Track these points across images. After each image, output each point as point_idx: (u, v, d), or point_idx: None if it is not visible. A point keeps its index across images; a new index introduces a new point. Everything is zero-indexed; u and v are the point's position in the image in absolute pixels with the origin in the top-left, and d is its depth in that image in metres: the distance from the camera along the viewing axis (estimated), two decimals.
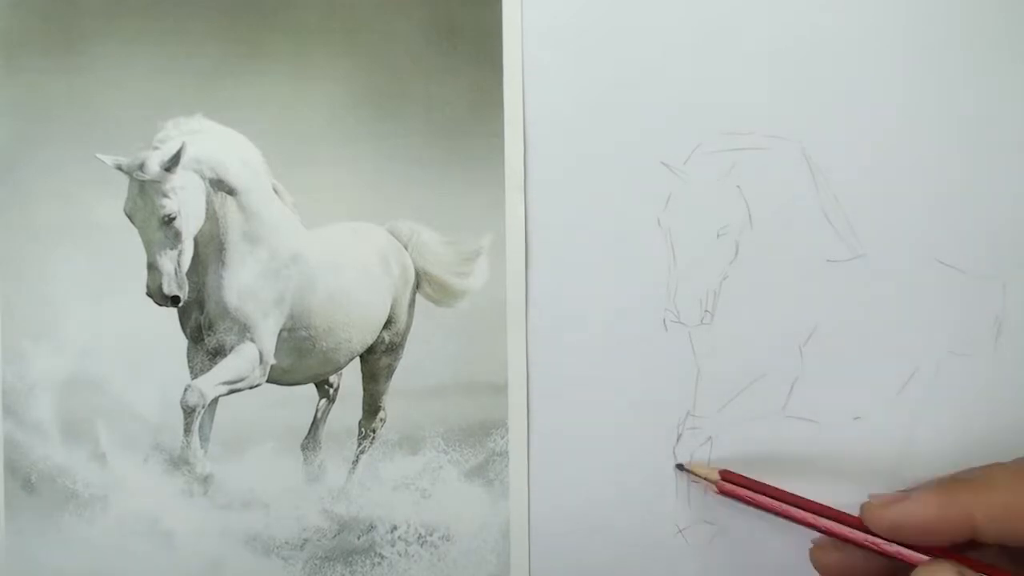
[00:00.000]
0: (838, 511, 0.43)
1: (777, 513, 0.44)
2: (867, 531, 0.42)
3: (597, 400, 0.47)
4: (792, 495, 0.44)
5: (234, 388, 0.47)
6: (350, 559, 0.47)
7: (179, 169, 0.46)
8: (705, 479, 0.45)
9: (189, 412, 0.47)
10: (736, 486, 0.44)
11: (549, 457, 0.47)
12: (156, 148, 0.46)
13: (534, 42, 0.47)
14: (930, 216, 0.46)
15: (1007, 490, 0.39)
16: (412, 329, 0.48)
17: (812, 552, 0.45)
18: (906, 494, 0.42)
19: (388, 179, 0.47)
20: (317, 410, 0.48)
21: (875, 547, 0.42)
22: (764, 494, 0.44)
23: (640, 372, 0.47)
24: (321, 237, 0.47)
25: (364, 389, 0.48)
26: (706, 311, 0.46)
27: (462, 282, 0.47)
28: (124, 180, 0.46)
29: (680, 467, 0.46)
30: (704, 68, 0.46)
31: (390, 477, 0.47)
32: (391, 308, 0.48)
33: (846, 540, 0.43)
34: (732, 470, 0.46)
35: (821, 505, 0.43)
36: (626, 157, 0.46)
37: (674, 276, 0.46)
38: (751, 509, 0.45)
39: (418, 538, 0.47)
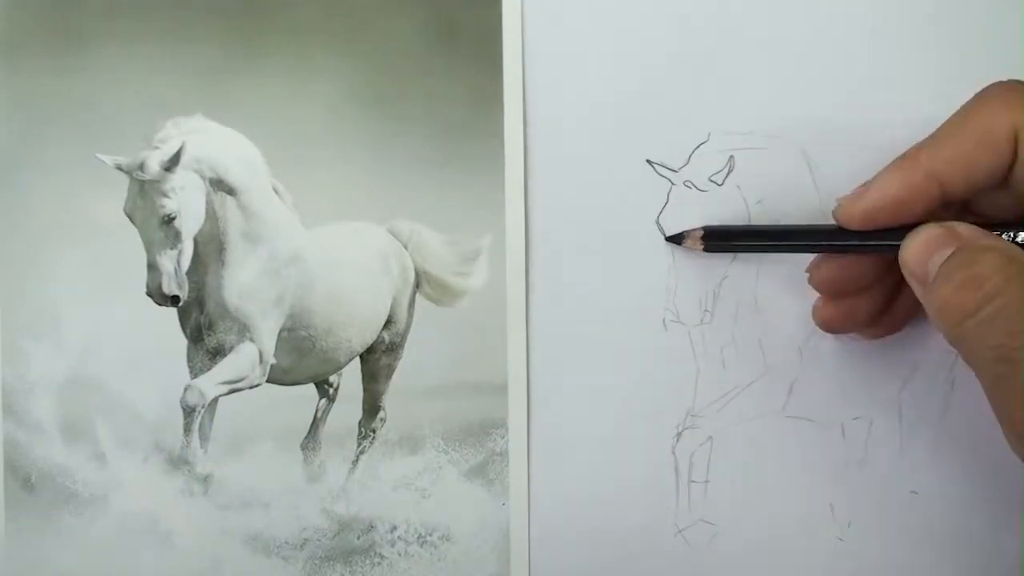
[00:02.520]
0: (819, 228, 0.43)
1: (767, 250, 0.44)
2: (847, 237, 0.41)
3: (597, 400, 0.47)
4: (777, 228, 0.44)
5: (234, 388, 0.47)
6: (350, 559, 0.47)
7: (179, 169, 0.46)
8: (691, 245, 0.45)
9: (189, 412, 0.47)
10: (722, 242, 0.45)
11: (549, 457, 0.47)
12: (156, 148, 0.46)
13: (534, 42, 0.47)
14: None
15: (959, 136, 0.39)
16: (412, 329, 0.48)
17: (810, 276, 0.44)
18: (868, 183, 0.41)
19: (388, 179, 0.47)
20: (317, 410, 0.48)
21: (860, 250, 0.41)
22: (751, 238, 0.44)
23: (640, 372, 0.47)
24: (321, 237, 0.47)
25: (364, 389, 0.48)
26: (706, 311, 0.46)
27: (462, 282, 0.47)
28: (124, 180, 0.46)
29: (669, 239, 0.46)
30: (704, 68, 0.46)
31: (390, 477, 0.47)
32: (391, 308, 0.48)
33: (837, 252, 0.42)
34: (731, 471, 0.46)
35: (805, 228, 0.44)
36: (626, 157, 0.46)
37: (674, 276, 0.46)
38: (751, 509, 0.45)
39: (418, 538, 0.47)
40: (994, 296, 0.35)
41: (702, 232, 0.45)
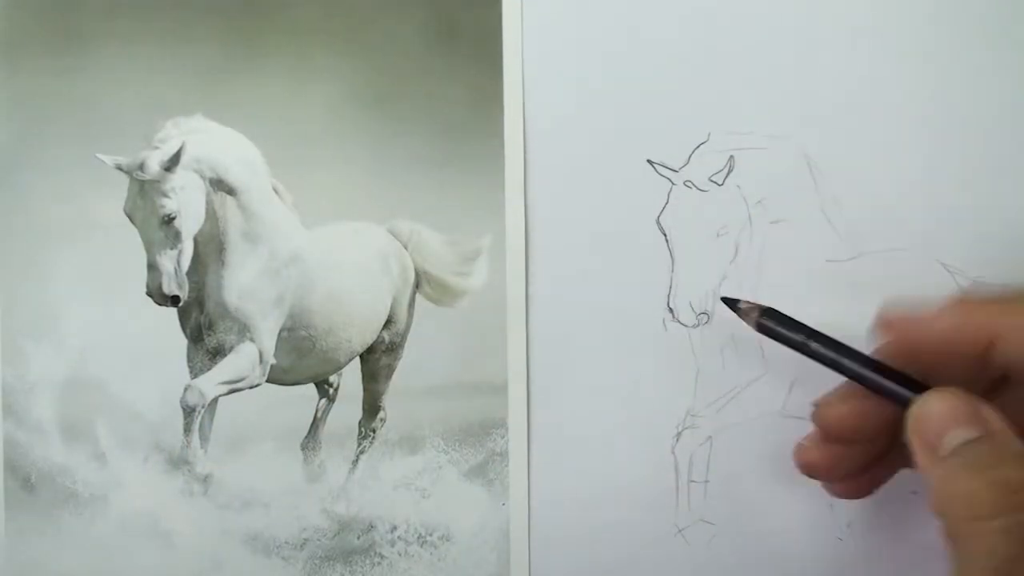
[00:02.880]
0: (871, 360, 0.39)
1: (817, 355, 0.40)
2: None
3: (597, 400, 0.47)
4: (832, 343, 0.40)
5: (234, 388, 0.47)
6: (350, 559, 0.47)
7: (179, 169, 0.46)
8: (746, 315, 0.41)
9: (189, 412, 0.47)
10: (776, 325, 0.40)
11: (549, 457, 0.47)
12: (156, 148, 0.46)
13: (534, 42, 0.47)
14: (930, 216, 0.46)
15: None
16: (412, 329, 0.48)
17: (817, 410, 0.41)
18: (922, 311, 0.38)
19: (388, 179, 0.47)
20: (317, 410, 0.48)
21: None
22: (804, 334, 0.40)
23: (640, 372, 0.47)
24: (321, 237, 0.47)
25: (364, 389, 0.48)
26: (705, 311, 0.46)
27: (462, 282, 0.47)
28: (124, 180, 0.46)
29: (726, 300, 0.42)
30: (704, 68, 0.46)
31: (390, 477, 0.47)
32: (391, 308, 0.48)
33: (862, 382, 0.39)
34: (731, 471, 0.46)
35: (856, 354, 0.39)
36: (626, 157, 0.46)
37: (674, 276, 0.46)
38: (751, 509, 0.46)
39: (418, 538, 0.47)
40: (1020, 508, 0.32)
41: (760, 311, 0.41)
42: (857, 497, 0.42)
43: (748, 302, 0.42)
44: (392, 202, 0.47)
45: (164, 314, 0.47)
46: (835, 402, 0.40)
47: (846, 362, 0.39)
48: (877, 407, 0.38)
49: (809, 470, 0.41)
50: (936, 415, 0.35)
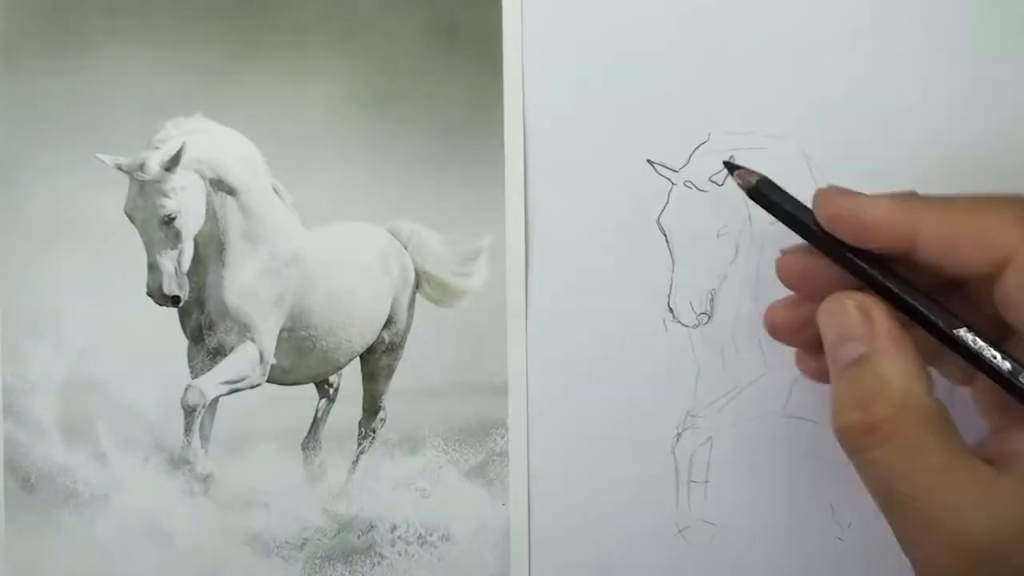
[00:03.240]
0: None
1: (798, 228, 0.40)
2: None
3: (597, 400, 0.47)
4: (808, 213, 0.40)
5: (234, 388, 0.47)
6: (350, 559, 0.47)
7: (179, 169, 0.46)
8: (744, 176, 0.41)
9: (189, 412, 0.47)
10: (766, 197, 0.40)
11: (549, 457, 0.47)
12: (156, 148, 0.46)
13: (534, 42, 0.47)
14: None
15: (962, 216, 0.36)
16: (412, 329, 0.48)
17: (779, 260, 0.41)
18: (861, 193, 0.38)
19: (388, 179, 0.47)
20: (317, 410, 0.48)
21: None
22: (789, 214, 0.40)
23: (640, 372, 0.47)
24: (321, 237, 0.47)
25: (364, 389, 0.48)
26: (705, 311, 0.46)
27: (462, 282, 0.47)
28: (124, 180, 0.46)
29: (727, 164, 0.42)
30: (704, 68, 0.46)
31: (390, 477, 0.47)
32: (391, 308, 0.48)
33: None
34: (731, 471, 0.46)
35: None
36: (626, 157, 0.46)
37: (674, 276, 0.46)
38: (751, 509, 0.46)
39: (418, 538, 0.47)
40: (880, 444, 0.35)
41: (757, 179, 0.41)
42: (827, 381, 0.41)
43: (748, 169, 0.41)
44: (392, 202, 0.47)
45: (164, 314, 0.47)
46: (795, 251, 0.40)
47: (804, 221, 0.39)
48: (830, 267, 0.39)
49: (774, 330, 0.42)
50: (828, 326, 0.37)
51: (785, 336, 0.42)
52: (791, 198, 0.40)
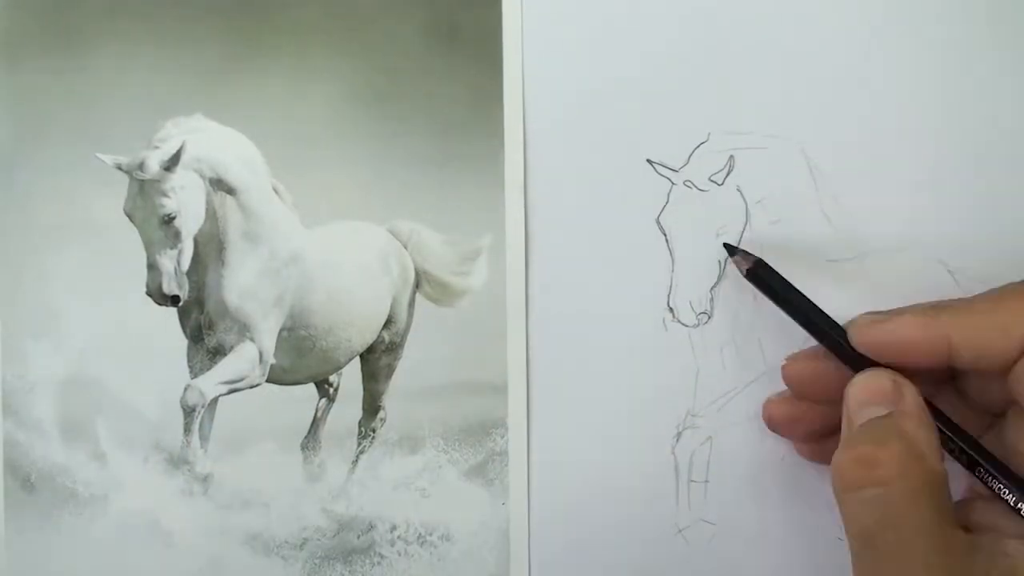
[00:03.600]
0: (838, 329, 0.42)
1: (794, 312, 0.43)
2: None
3: (597, 400, 0.47)
4: (808, 306, 0.43)
5: (234, 387, 0.47)
6: (350, 559, 0.47)
7: (179, 168, 0.46)
8: (740, 261, 0.44)
9: (189, 411, 0.47)
10: (763, 279, 0.43)
11: (549, 457, 0.47)
12: (156, 147, 0.46)
13: (534, 42, 0.47)
14: (930, 216, 0.46)
15: (984, 313, 0.39)
16: (412, 329, 0.48)
17: (785, 367, 0.44)
18: (890, 314, 0.41)
19: (388, 179, 0.47)
20: (317, 410, 0.48)
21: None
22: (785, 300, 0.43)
23: (640, 372, 0.47)
24: (321, 237, 0.47)
25: (364, 389, 0.48)
26: (705, 311, 0.46)
27: (462, 282, 0.47)
28: (124, 180, 0.46)
29: (727, 246, 0.45)
30: (704, 68, 0.46)
31: (390, 477, 0.47)
32: (391, 308, 0.48)
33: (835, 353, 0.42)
34: (731, 471, 0.46)
35: (829, 323, 0.42)
36: (626, 157, 0.46)
37: (674, 276, 0.46)
38: (751, 509, 0.45)
39: (418, 538, 0.47)
40: (882, 484, 0.36)
41: (753, 262, 0.44)
42: (823, 461, 0.43)
43: (746, 252, 0.44)
44: (392, 202, 0.47)
45: (164, 314, 0.47)
46: (802, 358, 0.43)
47: (817, 323, 0.42)
48: (838, 371, 0.41)
49: (771, 423, 0.45)
50: (858, 391, 0.39)
51: (783, 429, 0.45)
52: (786, 283, 0.43)
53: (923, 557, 0.35)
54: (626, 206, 0.46)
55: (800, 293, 0.43)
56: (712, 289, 0.46)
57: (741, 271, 0.44)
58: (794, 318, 0.43)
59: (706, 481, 0.47)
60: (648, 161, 0.46)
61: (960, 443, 0.39)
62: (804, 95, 0.46)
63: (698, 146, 0.46)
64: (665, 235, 0.46)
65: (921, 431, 0.37)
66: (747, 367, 0.47)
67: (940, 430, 0.39)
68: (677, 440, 0.47)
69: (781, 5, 0.46)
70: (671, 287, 0.47)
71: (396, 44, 0.47)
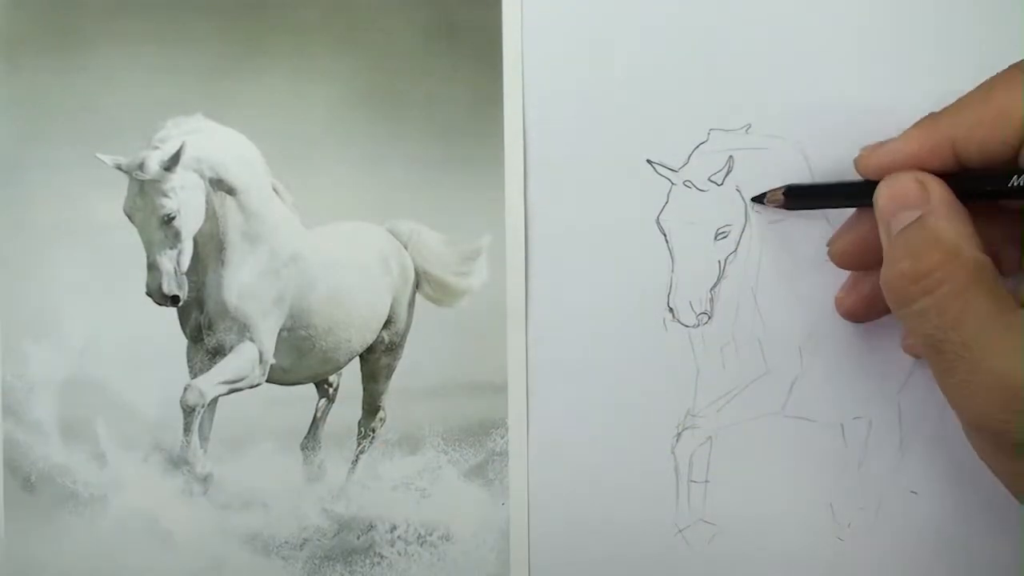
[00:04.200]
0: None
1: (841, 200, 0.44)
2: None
3: (597, 400, 0.47)
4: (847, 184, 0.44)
5: (234, 387, 0.47)
6: (350, 559, 0.47)
7: (179, 168, 0.46)
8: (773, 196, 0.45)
9: (189, 411, 0.47)
10: (802, 199, 0.45)
11: (549, 457, 0.47)
12: (156, 148, 0.46)
13: (534, 42, 0.47)
14: None
15: (979, 105, 0.39)
16: (412, 329, 0.48)
17: (830, 247, 0.44)
18: (893, 138, 0.42)
19: (388, 179, 0.47)
20: (317, 410, 0.48)
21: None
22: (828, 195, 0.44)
23: (640, 372, 0.47)
24: (321, 237, 0.47)
25: (364, 389, 0.48)
26: (704, 311, 0.46)
27: (462, 282, 0.47)
28: (124, 180, 0.46)
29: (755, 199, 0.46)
30: (703, 68, 0.46)
31: (390, 477, 0.47)
32: (391, 308, 0.48)
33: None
34: (731, 471, 0.46)
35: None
36: (626, 157, 0.46)
37: (673, 276, 0.46)
38: (751, 509, 0.46)
39: (418, 538, 0.47)
40: (929, 292, 0.37)
41: (784, 190, 0.45)
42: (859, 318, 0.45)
43: (771, 190, 0.45)
44: (392, 202, 0.47)
45: (164, 314, 0.47)
46: (842, 232, 0.44)
47: (852, 187, 0.43)
48: (875, 230, 0.41)
49: (853, 315, 0.45)
50: (886, 198, 0.40)
51: (862, 316, 0.45)
52: (821, 185, 0.45)
53: (990, 344, 0.35)
54: (626, 206, 0.46)
55: (831, 183, 0.44)
56: (712, 289, 0.46)
57: (780, 205, 0.45)
58: (837, 205, 0.44)
59: (706, 481, 0.47)
60: (648, 161, 0.46)
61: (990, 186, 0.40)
62: (804, 95, 0.46)
63: (698, 146, 0.46)
64: (665, 235, 0.46)
65: (953, 226, 0.38)
66: (747, 367, 0.47)
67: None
68: (677, 440, 0.47)
69: (781, 5, 0.46)
70: (671, 287, 0.47)
71: (396, 44, 0.47)
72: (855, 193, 0.43)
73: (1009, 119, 0.38)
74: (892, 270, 0.38)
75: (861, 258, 0.44)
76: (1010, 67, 0.40)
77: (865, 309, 0.45)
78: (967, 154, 0.39)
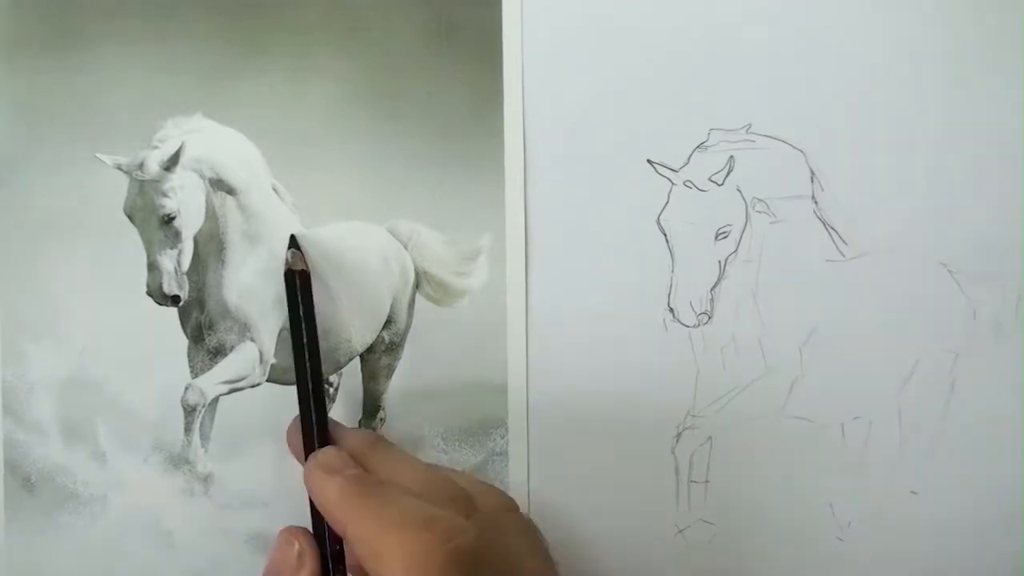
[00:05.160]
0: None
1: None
2: None
3: (597, 400, 0.47)
4: None
5: (234, 387, 0.47)
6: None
7: (179, 168, 0.46)
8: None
9: (189, 411, 0.47)
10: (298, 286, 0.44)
11: (549, 457, 0.47)
12: (156, 147, 0.46)
13: (534, 42, 0.47)
14: (930, 216, 0.46)
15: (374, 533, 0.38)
16: (412, 329, 0.48)
17: (288, 438, 0.45)
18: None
19: (388, 179, 0.47)
20: None
21: None
22: None
23: (640, 372, 0.47)
24: (321, 237, 0.47)
25: (364, 389, 0.48)
26: (705, 311, 0.46)
27: (462, 282, 0.47)
28: (124, 180, 0.46)
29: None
30: (704, 68, 0.46)
31: None
32: (391, 308, 0.48)
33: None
34: (731, 471, 0.46)
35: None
36: (626, 157, 0.46)
37: (674, 276, 0.47)
38: (751, 509, 0.46)
39: None
40: None
41: (302, 267, 0.45)
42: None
43: (299, 252, 0.45)
44: (392, 202, 0.47)
45: (164, 314, 0.47)
46: (293, 426, 0.44)
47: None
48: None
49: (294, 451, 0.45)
50: (277, 554, 0.42)
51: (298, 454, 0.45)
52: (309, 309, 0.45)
53: None
54: (626, 206, 0.46)
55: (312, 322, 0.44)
56: (712, 289, 0.46)
57: (288, 264, 0.45)
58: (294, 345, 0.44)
59: (706, 481, 0.47)
60: (648, 161, 0.46)
61: None
62: (804, 95, 0.46)
63: (698, 146, 0.46)
64: (665, 235, 0.46)
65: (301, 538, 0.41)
66: (747, 367, 0.47)
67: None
68: (677, 440, 0.47)
69: (781, 6, 0.46)
70: (671, 287, 0.47)
71: (396, 44, 0.47)
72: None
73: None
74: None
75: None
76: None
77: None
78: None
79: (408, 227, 0.47)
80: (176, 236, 0.46)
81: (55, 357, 0.47)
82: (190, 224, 0.47)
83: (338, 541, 0.41)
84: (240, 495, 0.47)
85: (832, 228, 0.46)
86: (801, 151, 0.46)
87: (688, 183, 0.46)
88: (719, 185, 0.46)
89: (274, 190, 0.47)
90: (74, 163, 0.47)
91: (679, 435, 0.47)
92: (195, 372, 0.47)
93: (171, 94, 0.47)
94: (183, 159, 0.46)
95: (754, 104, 0.46)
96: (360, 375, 0.48)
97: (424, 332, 0.48)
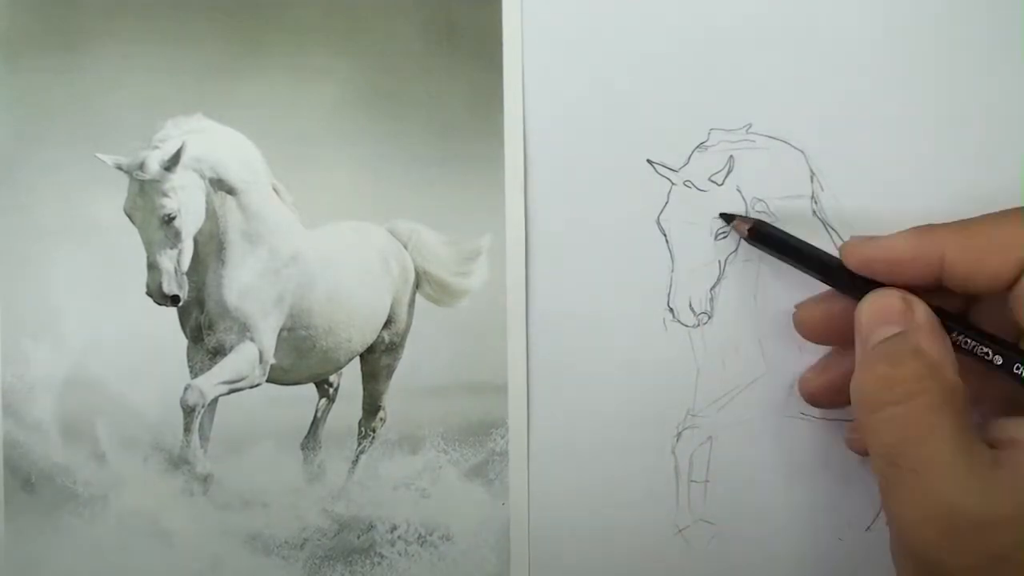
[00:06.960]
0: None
1: (799, 260, 0.43)
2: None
3: (597, 400, 0.47)
4: (810, 250, 0.43)
5: (234, 387, 0.47)
6: (350, 559, 0.47)
7: (179, 168, 0.46)
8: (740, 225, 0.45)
9: (189, 411, 0.47)
10: (761, 242, 0.44)
11: (549, 457, 0.47)
12: (156, 147, 0.46)
13: (534, 42, 0.47)
14: (930, 217, 0.46)
15: (982, 231, 0.39)
16: (412, 329, 0.48)
17: (796, 314, 0.44)
18: (883, 236, 0.41)
19: (388, 179, 0.47)
20: (317, 410, 0.48)
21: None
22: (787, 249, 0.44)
23: (640, 372, 0.47)
24: (321, 237, 0.47)
25: (364, 389, 0.48)
26: (705, 311, 0.46)
27: (462, 282, 0.47)
28: (124, 180, 0.46)
29: (724, 216, 0.46)
30: (704, 68, 0.46)
31: (390, 477, 0.47)
32: (391, 308, 0.48)
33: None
34: (731, 471, 0.46)
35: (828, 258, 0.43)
36: (626, 157, 0.46)
37: (673, 276, 0.46)
38: (751, 509, 0.46)
39: (418, 538, 0.47)
40: (902, 401, 0.36)
41: (751, 224, 0.44)
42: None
43: (742, 216, 0.45)
44: (392, 202, 0.47)
45: (164, 314, 0.47)
46: (811, 304, 0.43)
47: (824, 261, 0.42)
48: (846, 311, 0.41)
49: (814, 399, 0.44)
50: (870, 312, 0.39)
51: (824, 400, 0.44)
52: (786, 235, 0.44)
53: (947, 469, 0.34)
54: (626, 206, 0.46)
55: (800, 240, 0.43)
56: (712, 289, 0.46)
57: (743, 235, 0.45)
58: (800, 266, 0.43)
59: (706, 481, 0.47)
60: (648, 161, 0.46)
61: (975, 339, 0.39)
62: (804, 95, 0.46)
63: (698, 146, 0.46)
64: (665, 235, 0.46)
65: (935, 345, 0.37)
66: (747, 367, 0.47)
67: (955, 331, 0.39)
68: (677, 440, 0.47)
69: (781, 6, 0.46)
70: (671, 287, 0.47)
71: (396, 44, 0.47)
72: (823, 268, 0.42)
73: (1008, 255, 0.38)
74: (868, 373, 0.37)
75: (823, 333, 0.43)
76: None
77: (830, 396, 0.44)
78: (952, 274, 0.39)
79: (408, 227, 0.47)
80: (176, 236, 0.46)
81: (55, 357, 0.47)
82: (190, 224, 0.47)
83: None
84: (240, 495, 0.47)
85: (832, 228, 0.46)
86: (801, 151, 0.46)
87: (688, 183, 0.46)
88: (719, 185, 0.46)
89: (274, 190, 0.47)
90: (74, 163, 0.47)
91: (679, 435, 0.47)
92: (195, 372, 0.47)
93: (171, 94, 0.47)
94: (183, 159, 0.46)
95: (754, 104, 0.46)
96: (360, 375, 0.48)
97: (424, 332, 0.48)
